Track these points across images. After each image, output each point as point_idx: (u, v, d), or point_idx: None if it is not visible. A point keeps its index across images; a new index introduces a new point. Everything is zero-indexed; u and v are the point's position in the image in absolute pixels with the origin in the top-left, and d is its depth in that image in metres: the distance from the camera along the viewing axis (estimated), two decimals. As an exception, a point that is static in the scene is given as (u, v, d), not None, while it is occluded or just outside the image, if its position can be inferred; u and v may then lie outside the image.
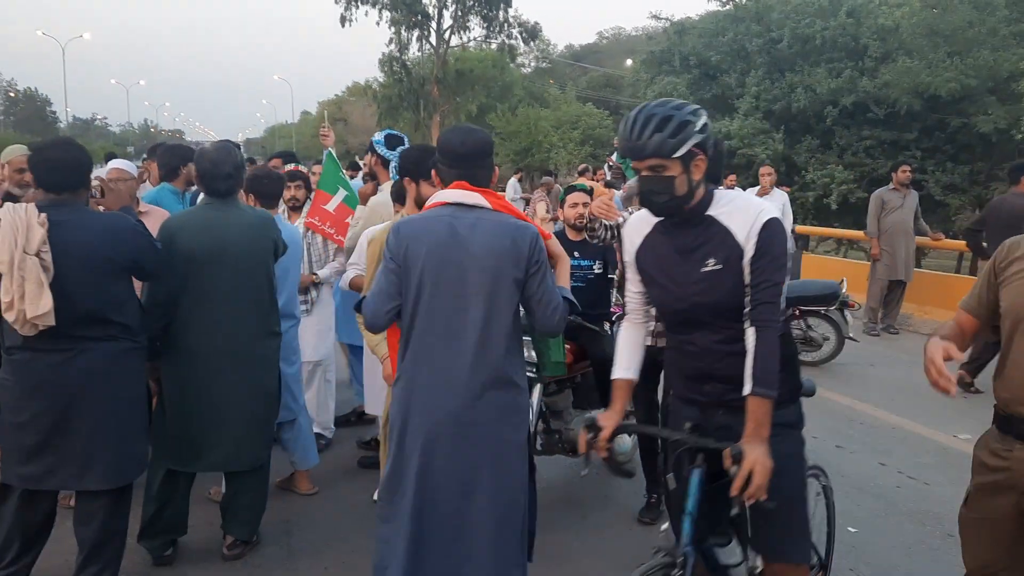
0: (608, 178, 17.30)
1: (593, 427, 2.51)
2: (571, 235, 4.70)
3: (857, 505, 4.61)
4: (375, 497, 4.35)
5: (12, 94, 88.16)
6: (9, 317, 2.94)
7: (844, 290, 7.49)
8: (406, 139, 4.63)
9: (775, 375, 2.26)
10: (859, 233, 10.81)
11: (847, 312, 7.62)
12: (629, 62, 40.10)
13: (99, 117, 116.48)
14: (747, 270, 2.31)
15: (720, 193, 2.41)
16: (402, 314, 2.67)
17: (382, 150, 4.74)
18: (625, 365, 2.61)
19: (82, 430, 3.15)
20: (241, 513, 3.83)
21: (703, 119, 2.31)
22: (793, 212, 10.38)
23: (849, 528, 4.27)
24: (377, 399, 4.22)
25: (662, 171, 2.29)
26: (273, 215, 4.12)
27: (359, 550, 3.91)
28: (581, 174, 12.96)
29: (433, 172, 2.81)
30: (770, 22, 21.00)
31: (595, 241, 4.22)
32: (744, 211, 2.34)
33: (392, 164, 4.55)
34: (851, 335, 7.70)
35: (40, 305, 2.92)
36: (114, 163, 4.75)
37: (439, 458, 2.61)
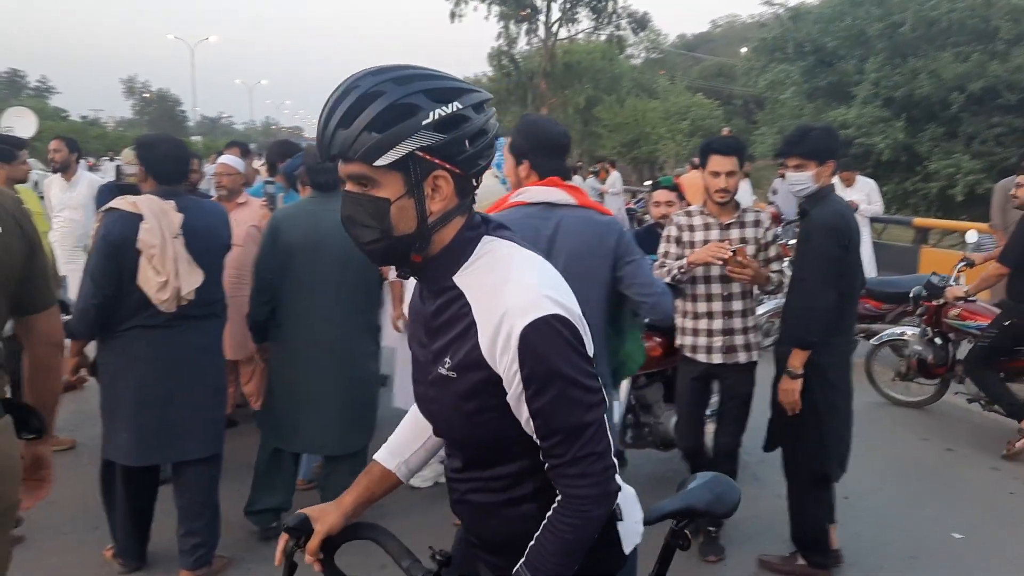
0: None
1: (298, 529, 1.70)
2: (660, 229, 4.58)
3: (963, 512, 4.37)
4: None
5: (146, 95, 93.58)
6: (163, 295, 3.18)
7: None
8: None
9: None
10: (984, 225, 10.20)
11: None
12: (744, 50, 39.03)
13: (224, 115, 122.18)
14: (514, 401, 1.40)
15: (488, 245, 1.46)
16: None
17: None
18: (390, 447, 1.86)
19: (187, 402, 3.38)
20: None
21: (453, 103, 1.35)
22: (914, 204, 9.91)
23: (954, 534, 4.06)
24: (407, 394, 4.31)
25: (368, 187, 1.38)
26: None
27: (448, 537, 3.99)
28: (695, 167, 12.59)
29: (527, 163, 2.70)
30: (891, 5, 20.01)
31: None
32: (492, 295, 1.39)
33: None
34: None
35: (192, 281, 3.24)
36: (222, 159, 5.02)
37: None
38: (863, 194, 9.14)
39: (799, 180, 3.42)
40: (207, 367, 3.49)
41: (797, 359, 3.36)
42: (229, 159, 5.04)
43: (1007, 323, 5.19)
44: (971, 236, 6.52)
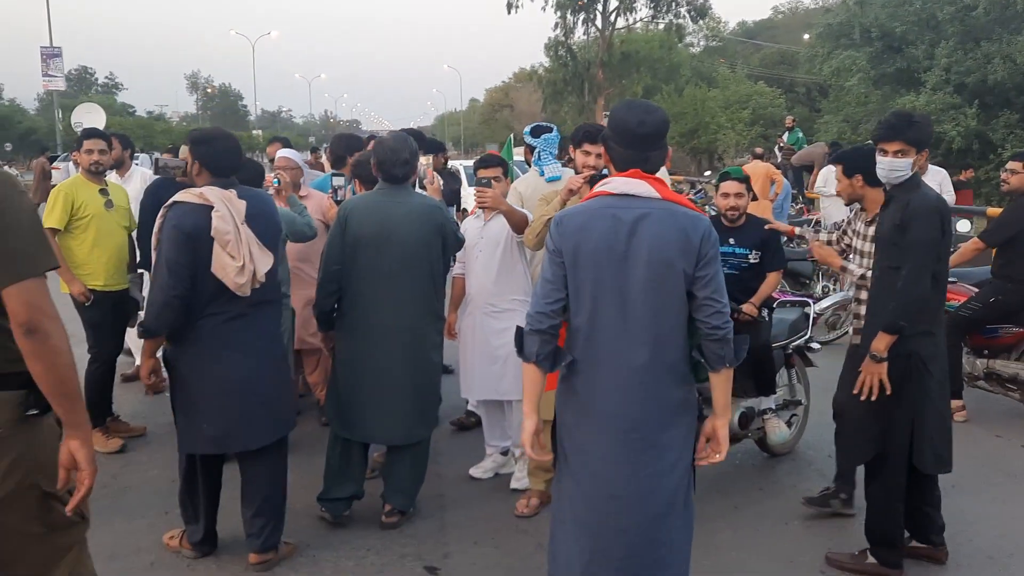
0: (779, 160, 16.56)
1: None
2: (725, 221, 4.55)
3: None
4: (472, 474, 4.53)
5: (209, 90, 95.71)
6: (240, 279, 3.26)
7: None
8: (555, 128, 4.65)
9: None
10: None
11: None
12: (807, 37, 38.17)
13: (284, 110, 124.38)
14: None
15: None
16: (570, 312, 2.57)
17: (528, 139, 4.80)
18: None
19: (262, 388, 3.45)
20: (398, 483, 4.00)
21: None
22: (987, 193, 9.58)
23: None
24: (470, 383, 4.44)
25: None
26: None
27: (508, 527, 4.00)
28: (758, 157, 12.29)
29: (603, 150, 2.68)
30: (964, -13, 19.36)
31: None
32: None
33: (537, 150, 4.58)
34: None
35: (264, 263, 3.33)
36: (281, 152, 5.07)
37: (610, 452, 2.53)
38: (935, 183, 8.81)
39: (900, 166, 3.34)
40: (276, 352, 3.59)
41: (883, 342, 3.28)
42: (289, 152, 5.09)
43: (992, 299, 5.38)
44: None
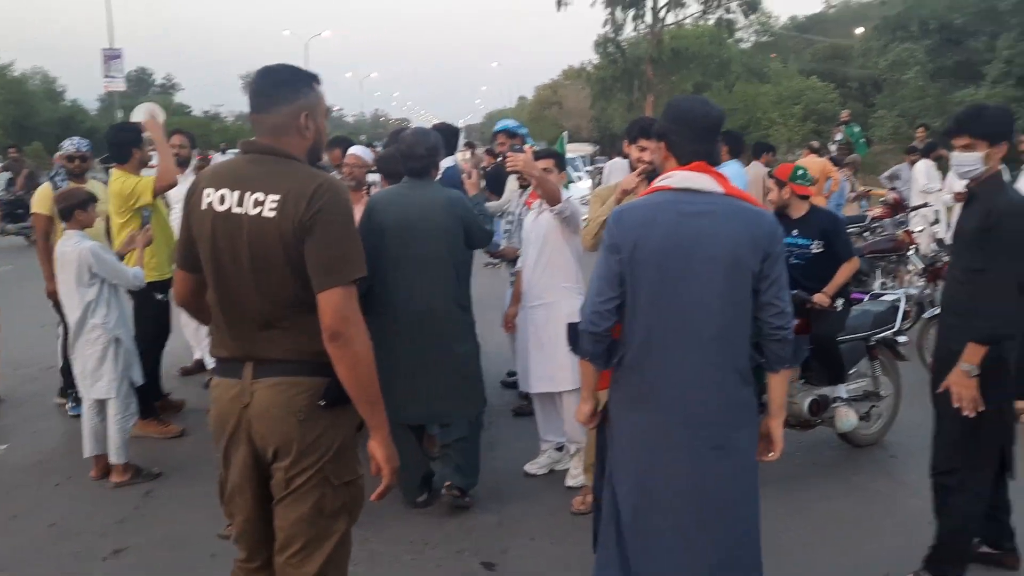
0: (833, 154, 16.26)
1: None
2: (792, 212, 4.61)
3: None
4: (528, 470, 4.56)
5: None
6: None
7: None
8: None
9: None
10: None
11: None
12: (860, 30, 37.41)
13: (336, 108, 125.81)
14: None
15: None
16: (627, 309, 2.48)
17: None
18: None
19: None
20: (454, 462, 4.14)
21: None
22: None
23: None
24: (526, 376, 4.46)
25: None
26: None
27: (565, 524, 4.01)
28: (814, 151, 12.04)
29: (663, 144, 2.58)
30: (1027, -23, 18.82)
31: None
32: None
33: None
34: None
35: None
36: (352, 150, 5.21)
37: (668, 453, 2.48)
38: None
39: (966, 161, 3.22)
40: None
41: (977, 355, 3.12)
42: (359, 150, 5.23)
43: None
44: None
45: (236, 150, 2.45)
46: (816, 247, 4.52)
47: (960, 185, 3.35)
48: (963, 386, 3.17)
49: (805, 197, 4.66)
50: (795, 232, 4.55)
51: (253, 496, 2.32)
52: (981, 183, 3.25)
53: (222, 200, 2.21)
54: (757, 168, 9.35)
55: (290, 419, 2.22)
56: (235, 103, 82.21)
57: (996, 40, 19.15)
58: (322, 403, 2.25)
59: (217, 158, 24.63)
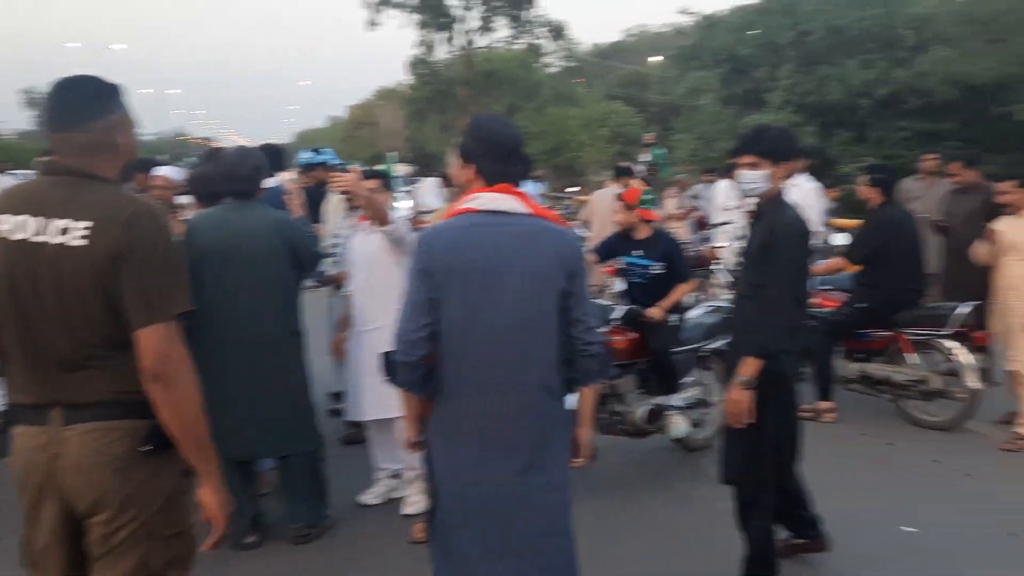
0: (644, 174, 16.98)
1: None
2: (637, 234, 4.88)
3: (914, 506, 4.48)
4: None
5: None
6: None
7: None
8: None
9: None
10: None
11: None
12: (657, 59, 39.79)
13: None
14: None
15: None
16: (442, 334, 2.42)
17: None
18: None
19: None
20: (295, 499, 3.97)
21: None
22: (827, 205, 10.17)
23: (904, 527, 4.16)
24: (359, 403, 4.29)
25: None
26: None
27: (402, 554, 3.89)
28: (624, 173, 12.38)
29: (472, 168, 2.51)
30: (801, 15, 20.76)
31: None
32: None
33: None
34: None
35: None
36: (160, 170, 5.05)
37: (480, 481, 2.44)
38: (801, 194, 9.26)
39: (752, 179, 3.36)
40: None
41: (753, 368, 3.22)
42: (167, 170, 5.05)
43: (859, 306, 5.69)
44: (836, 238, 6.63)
45: (26, 171, 2.19)
46: (658, 268, 4.77)
47: (751, 203, 3.55)
48: (735, 399, 3.26)
49: (650, 221, 4.91)
50: (639, 252, 4.81)
51: (66, 557, 2.06)
52: (766, 201, 3.39)
53: (22, 227, 1.97)
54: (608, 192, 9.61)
55: (106, 469, 1.99)
56: (16, 121, 75.54)
57: (777, 71, 20.97)
58: (145, 449, 2.03)
59: (3, 180, 22.53)
